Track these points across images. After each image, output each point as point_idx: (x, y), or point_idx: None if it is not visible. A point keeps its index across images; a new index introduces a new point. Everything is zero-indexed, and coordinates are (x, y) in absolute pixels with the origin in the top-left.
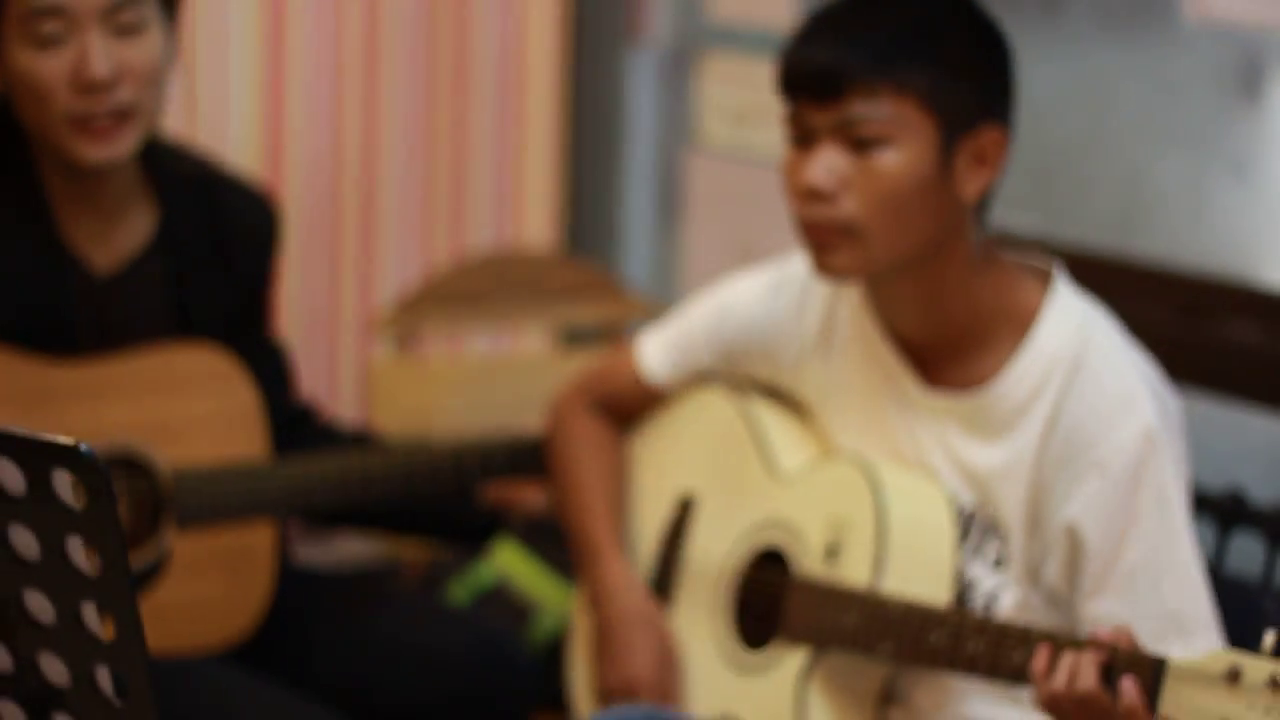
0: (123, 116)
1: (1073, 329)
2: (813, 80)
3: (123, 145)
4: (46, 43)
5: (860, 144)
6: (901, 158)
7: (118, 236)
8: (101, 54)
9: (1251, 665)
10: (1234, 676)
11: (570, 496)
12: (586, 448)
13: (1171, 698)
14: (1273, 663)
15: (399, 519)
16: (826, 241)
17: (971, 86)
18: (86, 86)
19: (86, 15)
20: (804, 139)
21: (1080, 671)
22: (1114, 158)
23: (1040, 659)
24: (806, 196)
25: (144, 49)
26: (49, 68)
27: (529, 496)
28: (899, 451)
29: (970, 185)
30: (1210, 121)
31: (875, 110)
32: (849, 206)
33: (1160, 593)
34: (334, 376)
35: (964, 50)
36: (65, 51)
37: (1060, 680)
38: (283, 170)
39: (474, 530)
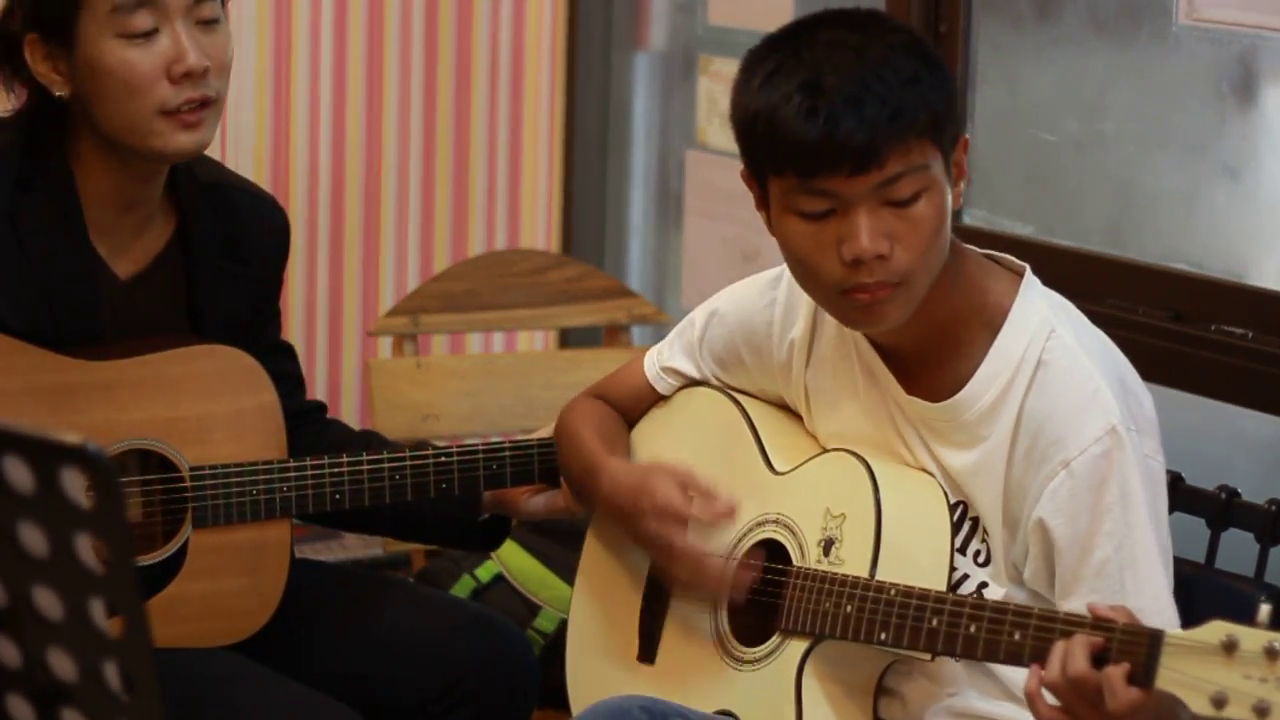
0: (206, 105)
1: (1036, 328)
2: (851, 154)
3: (206, 133)
4: (138, 36)
5: (899, 200)
6: (934, 199)
7: (141, 242)
8: (194, 45)
9: (1248, 635)
10: (1230, 647)
11: (570, 451)
12: (583, 416)
13: (1168, 670)
14: (1269, 633)
15: (407, 526)
16: (880, 298)
17: (953, 109)
18: (184, 77)
19: (175, 8)
20: (830, 210)
21: (1071, 655)
22: (1108, 160)
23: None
24: (855, 264)
25: (221, 40)
26: (143, 61)
27: (530, 501)
28: (890, 452)
29: (957, 195)
30: (1204, 125)
31: (909, 164)
32: (903, 260)
33: (1123, 588)
34: (335, 376)
35: (942, 78)
36: (157, 44)
37: (1054, 668)
38: (286, 173)
39: (482, 539)
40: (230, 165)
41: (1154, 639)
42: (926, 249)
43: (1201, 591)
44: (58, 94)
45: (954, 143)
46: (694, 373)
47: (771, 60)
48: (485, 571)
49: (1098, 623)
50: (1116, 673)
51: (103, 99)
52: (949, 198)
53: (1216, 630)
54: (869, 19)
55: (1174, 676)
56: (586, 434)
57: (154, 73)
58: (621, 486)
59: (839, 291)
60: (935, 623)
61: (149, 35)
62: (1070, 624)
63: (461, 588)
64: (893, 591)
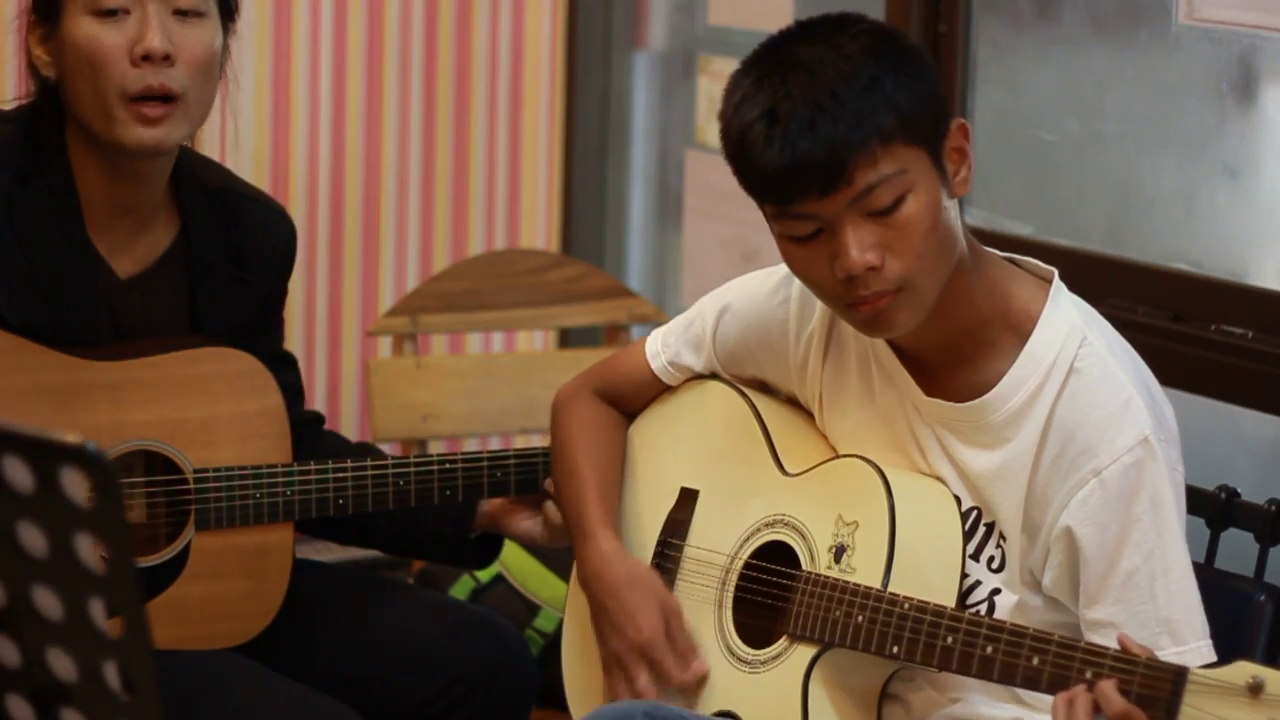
0: (171, 101)
1: (1068, 334)
2: (815, 177)
3: (167, 132)
4: (109, 15)
5: (880, 210)
6: (919, 200)
7: (142, 244)
8: (160, 29)
9: (1273, 678)
10: (1256, 689)
11: (565, 478)
12: (584, 430)
13: (1191, 709)
14: None
15: (399, 540)
16: (881, 306)
17: (930, 101)
18: (144, 59)
19: None
20: (819, 229)
21: (1103, 702)
22: (1107, 160)
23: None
24: (850, 280)
25: (200, 35)
26: (109, 38)
27: (523, 524)
28: (904, 454)
29: (959, 181)
30: (1204, 125)
31: (879, 174)
32: (896, 267)
33: (1154, 599)
34: (335, 376)
35: (910, 73)
36: (126, 26)
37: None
38: (286, 173)
39: (474, 556)
40: (230, 165)
41: (1178, 677)
42: (920, 251)
43: (1202, 591)
44: (44, 75)
45: (939, 134)
46: (702, 368)
47: (747, 80)
48: (485, 571)
49: (1119, 656)
50: (1107, 685)
51: (74, 78)
52: (941, 192)
53: (1242, 671)
54: (835, 27)
55: (1197, 716)
56: (583, 468)
57: (116, 51)
58: (605, 579)
59: (844, 305)
60: (950, 640)
61: (119, 15)
62: (1091, 653)
63: (461, 588)
64: (906, 605)
